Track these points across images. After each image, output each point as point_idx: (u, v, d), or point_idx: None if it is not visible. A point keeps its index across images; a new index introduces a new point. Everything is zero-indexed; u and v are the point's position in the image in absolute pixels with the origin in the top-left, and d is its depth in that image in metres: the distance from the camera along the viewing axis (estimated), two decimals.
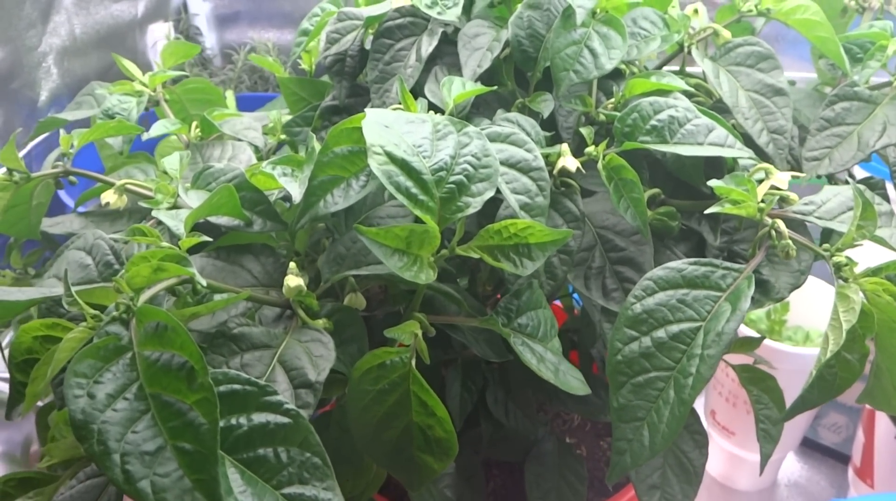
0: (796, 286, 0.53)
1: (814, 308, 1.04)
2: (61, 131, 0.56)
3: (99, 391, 0.33)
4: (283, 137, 0.66)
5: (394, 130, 0.43)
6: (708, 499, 1.06)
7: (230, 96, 1.01)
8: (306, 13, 0.73)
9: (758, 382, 0.62)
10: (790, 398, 0.74)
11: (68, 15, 1.13)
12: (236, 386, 0.37)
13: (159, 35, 1.29)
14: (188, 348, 0.33)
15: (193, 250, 0.45)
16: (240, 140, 0.66)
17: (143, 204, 0.48)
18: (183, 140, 0.69)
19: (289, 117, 0.71)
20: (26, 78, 1.07)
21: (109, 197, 0.51)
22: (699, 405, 1.08)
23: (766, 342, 0.91)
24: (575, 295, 0.84)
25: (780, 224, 0.42)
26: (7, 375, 0.88)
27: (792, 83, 0.71)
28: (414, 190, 0.41)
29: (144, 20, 1.28)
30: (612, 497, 0.76)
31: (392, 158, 0.41)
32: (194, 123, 0.69)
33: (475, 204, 0.42)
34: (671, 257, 0.55)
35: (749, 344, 0.63)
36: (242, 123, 0.68)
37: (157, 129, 0.66)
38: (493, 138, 0.47)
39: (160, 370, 0.34)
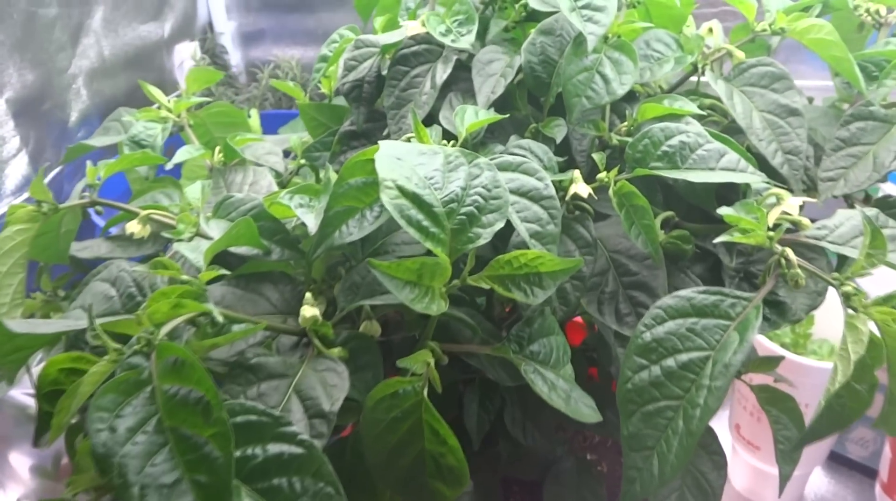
0: (813, 308, 0.53)
1: (839, 321, 1.03)
2: (88, 162, 0.57)
3: (120, 425, 0.34)
4: (302, 162, 0.67)
5: (406, 163, 0.44)
6: None
7: (254, 114, 1.03)
8: (329, 31, 0.75)
9: (776, 402, 0.62)
10: (813, 413, 0.74)
11: (97, 37, 1.16)
12: (252, 417, 0.38)
13: (186, 54, 1.32)
14: (204, 383, 0.34)
15: (213, 278, 0.46)
16: (260, 166, 0.67)
17: (165, 235, 0.50)
18: (206, 165, 0.71)
19: (309, 141, 0.72)
20: (57, 99, 1.11)
21: (134, 227, 0.53)
22: (723, 418, 1.07)
23: (790, 356, 0.90)
24: None
25: (789, 253, 0.42)
26: (33, 391, 0.90)
27: (810, 100, 0.71)
28: (425, 223, 0.42)
29: (171, 40, 1.31)
30: None
31: (403, 192, 0.42)
32: (217, 148, 0.71)
33: (486, 235, 0.43)
34: (685, 279, 0.55)
35: (768, 363, 0.63)
36: (263, 148, 0.70)
37: (180, 155, 0.68)
38: (505, 167, 0.48)
39: (178, 404, 0.35)
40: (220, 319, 0.37)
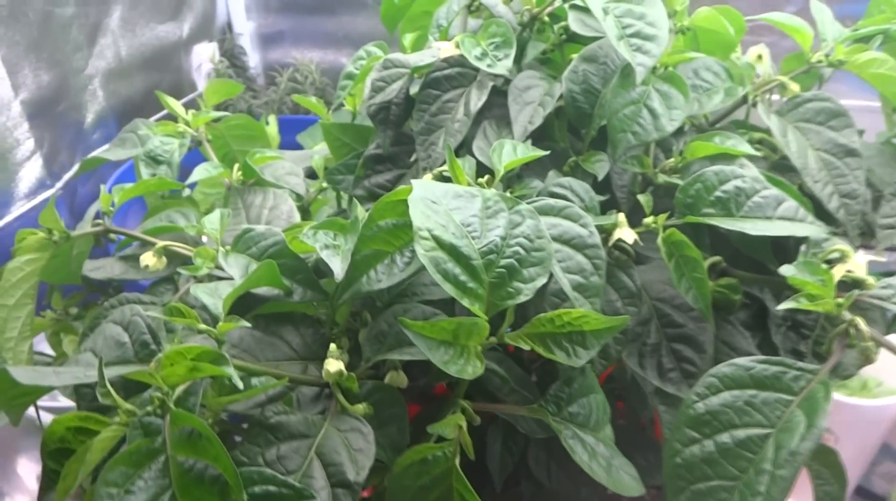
0: (868, 363, 0.50)
1: None
2: (102, 188, 0.55)
3: None
4: (324, 185, 0.64)
5: (441, 207, 0.41)
6: None
7: (272, 121, 1.00)
8: (350, 34, 0.72)
9: (818, 456, 0.58)
10: (845, 450, 0.70)
11: (114, 37, 1.13)
12: (272, 488, 0.35)
13: (204, 56, 1.29)
14: (223, 461, 0.31)
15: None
16: (281, 188, 0.64)
17: (181, 271, 0.47)
18: (225, 183, 0.68)
19: (330, 158, 0.69)
20: (72, 100, 1.08)
21: (148, 260, 0.50)
22: None
23: None
24: None
25: (861, 324, 0.38)
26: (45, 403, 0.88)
27: (861, 133, 0.67)
28: (462, 277, 0.39)
29: (189, 41, 1.28)
30: None
31: (440, 243, 0.39)
32: (236, 166, 0.68)
33: (527, 291, 0.39)
34: (731, 330, 0.52)
35: None
36: (284, 168, 0.67)
37: (198, 173, 0.65)
38: (546, 212, 0.45)
39: (193, 480, 0.32)
40: (240, 385, 0.34)
